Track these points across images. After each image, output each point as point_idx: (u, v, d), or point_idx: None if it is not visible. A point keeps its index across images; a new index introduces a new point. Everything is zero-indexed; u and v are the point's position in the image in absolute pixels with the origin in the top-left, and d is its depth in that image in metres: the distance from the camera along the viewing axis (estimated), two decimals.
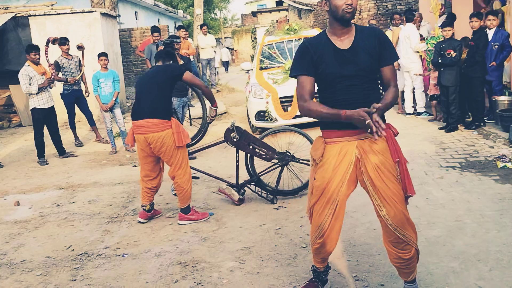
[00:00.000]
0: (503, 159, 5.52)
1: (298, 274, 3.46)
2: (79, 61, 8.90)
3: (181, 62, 7.72)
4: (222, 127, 10.07)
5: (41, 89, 7.63)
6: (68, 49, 8.70)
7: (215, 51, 25.74)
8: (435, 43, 8.17)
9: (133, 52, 15.38)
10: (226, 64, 32.01)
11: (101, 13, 11.26)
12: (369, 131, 2.50)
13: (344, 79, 2.71)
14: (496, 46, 7.23)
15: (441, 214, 4.27)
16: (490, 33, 7.30)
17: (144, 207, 4.80)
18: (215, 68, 23.45)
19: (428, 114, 8.67)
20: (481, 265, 3.30)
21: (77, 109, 9.00)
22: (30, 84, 7.53)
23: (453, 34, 7.49)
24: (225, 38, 43.78)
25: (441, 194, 4.77)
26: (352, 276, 3.36)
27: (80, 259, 4.07)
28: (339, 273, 3.43)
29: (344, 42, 2.72)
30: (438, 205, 4.49)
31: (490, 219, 4.03)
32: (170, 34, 15.29)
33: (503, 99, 7.28)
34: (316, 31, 10.45)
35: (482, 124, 7.35)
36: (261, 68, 9.56)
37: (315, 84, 2.83)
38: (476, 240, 3.68)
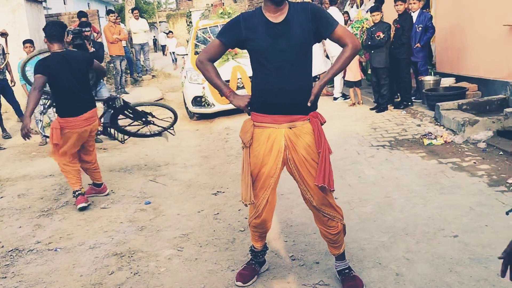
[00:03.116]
0: (429, 137, 5.80)
1: (236, 258, 3.50)
2: (3, 49, 8.44)
3: (91, 49, 7.53)
4: (157, 113, 9.92)
5: None
6: None
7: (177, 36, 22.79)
8: (360, 26, 8.38)
9: None
10: (163, 48, 31.74)
11: None
12: None
13: (276, 53, 2.69)
14: (420, 28, 7.52)
15: (372, 191, 4.44)
16: (414, 16, 7.58)
17: (79, 191, 4.81)
18: (173, 53, 20.14)
19: (344, 99, 8.85)
20: (409, 238, 3.47)
21: (3, 100, 8.56)
22: None
23: (381, 17, 7.72)
24: (159, 22, 42.84)
25: (372, 172, 4.96)
26: (289, 256, 3.44)
27: (11, 255, 3.91)
28: (276, 254, 3.50)
29: (277, 17, 2.70)
30: (369, 183, 4.66)
31: (417, 194, 4.24)
32: (100, 18, 14.80)
33: (429, 79, 7.62)
34: None
35: (410, 103, 7.66)
36: (196, 53, 9.45)
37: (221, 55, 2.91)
38: (404, 215, 3.87)
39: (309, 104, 2.71)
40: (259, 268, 3.23)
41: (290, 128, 2.77)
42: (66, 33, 5.00)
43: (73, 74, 4.56)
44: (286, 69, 2.70)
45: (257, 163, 2.83)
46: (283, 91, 2.71)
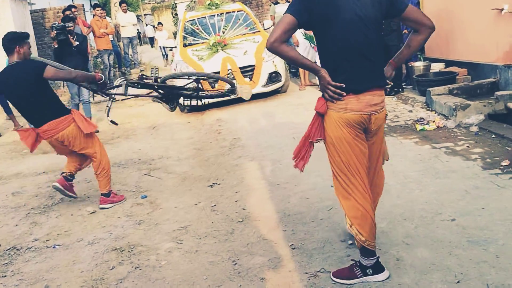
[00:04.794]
0: (421, 122, 5.84)
1: (236, 249, 3.51)
2: None
3: (75, 43, 7.50)
4: (149, 107, 9.90)
5: None
6: None
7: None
8: None
9: (47, 34, 14.53)
10: (151, 40, 31.44)
11: None
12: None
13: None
14: None
15: None
16: None
17: (64, 173, 4.73)
18: (164, 49, 17.78)
19: None
20: (407, 223, 3.50)
21: None
22: None
23: None
24: (144, 15, 42.48)
25: None
26: (289, 245, 3.46)
27: (9, 254, 3.89)
28: (275, 243, 3.51)
29: None
30: None
31: (413, 180, 4.27)
32: (85, 12, 14.65)
33: (419, 64, 7.66)
34: (238, 5, 10.39)
35: (400, 90, 7.70)
36: (184, 45, 9.40)
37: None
38: (401, 201, 3.89)
39: None
40: None
41: None
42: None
43: (20, 87, 4.28)
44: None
45: None
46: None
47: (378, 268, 2.87)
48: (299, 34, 8.97)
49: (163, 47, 17.82)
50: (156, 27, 20.01)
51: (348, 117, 2.69)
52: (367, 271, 2.86)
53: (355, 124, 2.71)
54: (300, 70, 9.43)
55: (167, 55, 17.51)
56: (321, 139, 2.80)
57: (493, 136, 5.13)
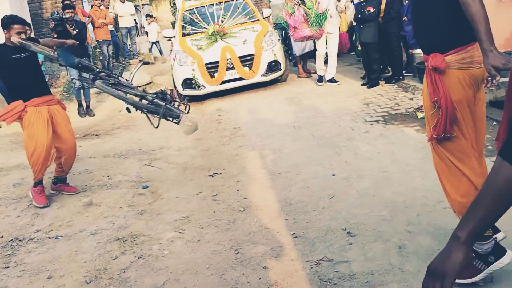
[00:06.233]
0: (422, 110, 5.81)
1: (238, 238, 3.51)
2: None
3: (74, 32, 7.50)
4: None
5: None
6: None
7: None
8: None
9: (46, 25, 14.47)
10: (147, 33, 31.22)
11: None
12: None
13: None
14: (407, 1, 7.50)
15: (369, 167, 4.46)
16: None
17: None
18: (157, 44, 16.21)
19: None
20: (409, 211, 3.50)
21: None
22: None
23: None
24: (142, 5, 42.21)
25: (368, 147, 4.98)
26: (291, 233, 3.46)
27: (11, 245, 3.89)
28: (278, 232, 3.52)
29: None
30: (366, 158, 4.68)
31: (414, 168, 4.27)
32: (83, 3, 14.55)
33: (419, 52, 7.60)
34: None
35: (401, 77, 7.67)
36: (183, 35, 9.35)
37: None
38: (403, 189, 3.89)
39: None
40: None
41: None
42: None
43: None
44: None
45: None
46: None
47: (498, 251, 2.47)
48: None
49: (155, 42, 16.03)
50: (147, 20, 17.29)
51: (472, 73, 2.36)
52: (489, 259, 2.49)
53: (477, 82, 2.39)
54: (297, 59, 9.41)
55: (161, 51, 15.97)
56: (436, 101, 2.43)
57: (494, 123, 5.12)
